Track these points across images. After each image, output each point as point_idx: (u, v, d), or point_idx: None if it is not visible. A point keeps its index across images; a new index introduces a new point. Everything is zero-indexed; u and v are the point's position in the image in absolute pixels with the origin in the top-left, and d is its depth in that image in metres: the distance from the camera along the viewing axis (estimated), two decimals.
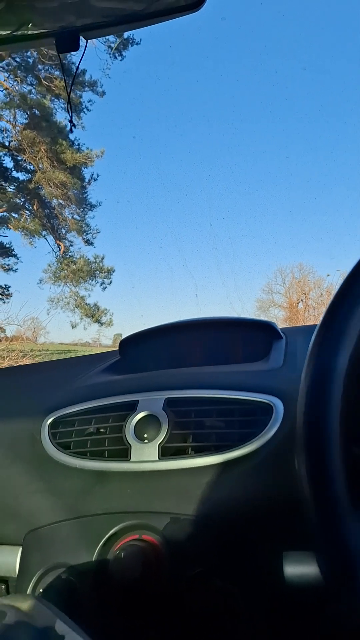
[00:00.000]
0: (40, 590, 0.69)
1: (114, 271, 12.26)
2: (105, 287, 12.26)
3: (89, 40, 0.69)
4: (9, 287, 11.87)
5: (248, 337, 1.11)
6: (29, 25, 0.66)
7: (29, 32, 0.65)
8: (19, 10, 0.66)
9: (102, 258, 12.17)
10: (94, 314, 12.12)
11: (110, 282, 12.23)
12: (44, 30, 0.66)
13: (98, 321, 12.28)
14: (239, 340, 1.11)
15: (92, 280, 12.14)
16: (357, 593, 0.36)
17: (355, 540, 0.37)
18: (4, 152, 11.03)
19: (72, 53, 0.68)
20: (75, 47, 0.65)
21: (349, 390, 0.39)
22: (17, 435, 0.83)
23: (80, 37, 0.66)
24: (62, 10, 0.67)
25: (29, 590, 0.70)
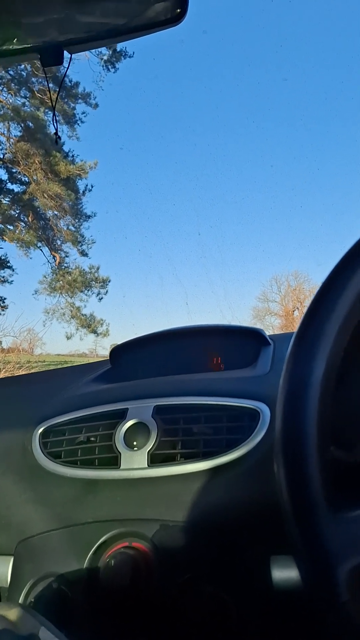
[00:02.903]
0: (32, 599, 0.69)
1: (109, 281, 12.29)
2: (102, 298, 12.28)
3: (82, 53, 0.70)
4: (5, 298, 11.88)
5: (236, 344, 1.11)
6: (14, 40, 0.67)
7: (13, 47, 0.66)
8: (3, 25, 0.67)
9: (98, 268, 12.21)
10: (90, 324, 12.12)
11: (106, 292, 12.26)
12: (28, 45, 0.67)
13: (94, 332, 12.29)
14: (227, 347, 1.12)
15: (88, 290, 12.17)
16: (335, 596, 0.37)
17: (332, 543, 0.37)
18: None
19: (64, 66, 0.69)
20: (60, 61, 0.66)
21: (326, 394, 0.40)
22: (8, 445, 0.83)
23: (65, 52, 0.67)
24: (46, 25, 0.68)
25: (20, 600, 0.70)
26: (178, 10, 0.63)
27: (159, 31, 0.66)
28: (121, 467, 0.72)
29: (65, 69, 0.70)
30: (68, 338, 12.37)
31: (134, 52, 10.80)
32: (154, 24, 0.65)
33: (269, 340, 1.05)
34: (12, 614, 0.46)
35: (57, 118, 10.46)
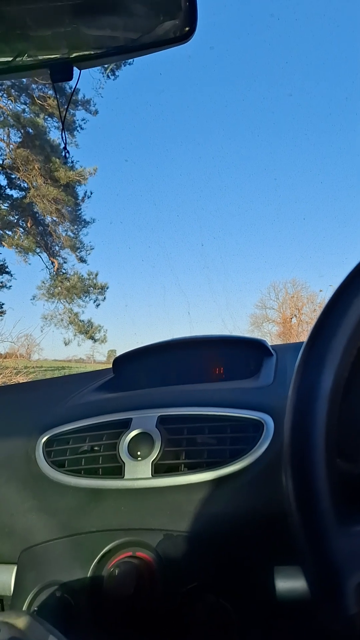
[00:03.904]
0: (35, 608, 0.69)
1: (107, 287, 12.28)
2: (99, 304, 12.26)
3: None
4: (3, 304, 11.84)
5: (239, 354, 1.12)
6: (25, 56, 0.68)
7: (24, 63, 0.67)
8: (13, 39, 0.68)
9: (96, 274, 12.19)
10: (88, 330, 12.10)
11: (104, 298, 12.24)
12: (38, 61, 0.68)
13: (92, 337, 12.26)
14: (230, 357, 1.12)
15: (86, 297, 12.15)
16: (343, 608, 0.37)
17: (340, 555, 0.38)
18: None
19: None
20: (69, 77, 0.67)
21: (334, 407, 0.40)
22: (12, 453, 0.83)
23: (74, 68, 0.68)
24: (56, 40, 0.69)
25: (24, 608, 0.70)
26: (187, 29, 0.65)
27: (168, 49, 0.67)
28: (125, 477, 0.72)
29: (74, 85, 0.71)
30: (66, 344, 12.35)
31: (133, 60, 10.87)
32: (162, 42, 0.66)
33: (272, 350, 1.06)
34: (21, 622, 0.46)
35: (57, 125, 10.51)
